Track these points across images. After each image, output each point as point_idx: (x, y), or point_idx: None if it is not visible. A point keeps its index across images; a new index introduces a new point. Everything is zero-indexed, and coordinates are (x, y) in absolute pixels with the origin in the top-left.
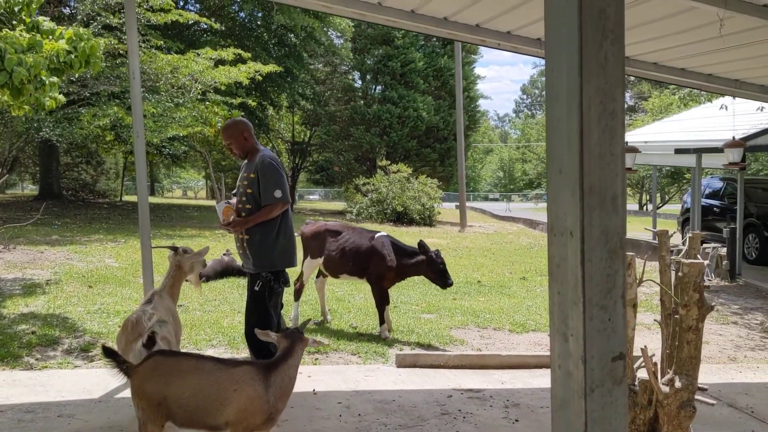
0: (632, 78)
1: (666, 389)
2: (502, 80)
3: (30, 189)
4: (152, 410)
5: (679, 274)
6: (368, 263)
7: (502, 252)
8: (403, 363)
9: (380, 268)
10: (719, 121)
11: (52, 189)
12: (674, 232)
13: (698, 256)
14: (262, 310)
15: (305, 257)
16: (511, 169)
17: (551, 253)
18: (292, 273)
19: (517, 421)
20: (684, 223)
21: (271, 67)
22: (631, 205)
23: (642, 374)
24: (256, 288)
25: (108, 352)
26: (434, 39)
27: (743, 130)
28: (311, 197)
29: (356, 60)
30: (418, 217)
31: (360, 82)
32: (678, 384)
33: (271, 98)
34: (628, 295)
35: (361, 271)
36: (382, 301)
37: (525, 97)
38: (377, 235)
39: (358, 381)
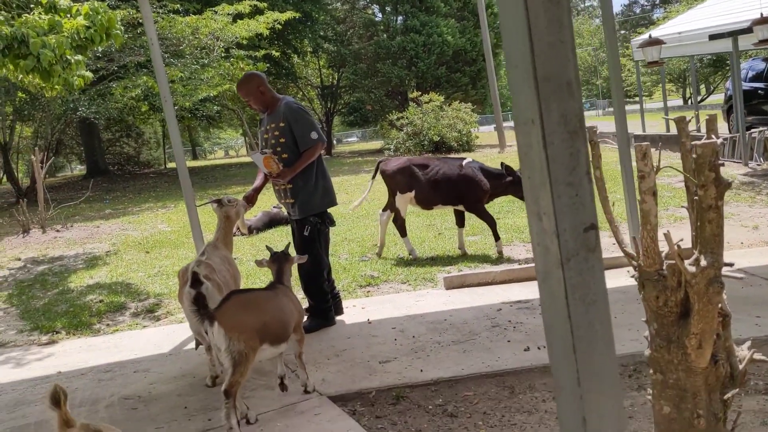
0: None
1: (692, 269)
2: None
3: (78, 169)
4: (254, 337)
5: (694, 155)
6: (464, 190)
7: None
8: (451, 285)
9: (477, 193)
10: (752, 0)
11: (98, 166)
12: (691, 118)
13: (712, 137)
14: (314, 252)
15: (394, 194)
16: None
17: (519, 143)
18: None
19: None
20: (729, 111)
21: (289, 14)
22: (676, 101)
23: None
24: (306, 233)
25: (197, 301)
26: None
27: None
28: (349, 139)
29: None
30: (456, 144)
31: (380, 15)
32: (703, 262)
33: (294, 46)
34: (647, 183)
35: (457, 200)
36: (490, 220)
37: None
38: (465, 162)
39: (409, 306)
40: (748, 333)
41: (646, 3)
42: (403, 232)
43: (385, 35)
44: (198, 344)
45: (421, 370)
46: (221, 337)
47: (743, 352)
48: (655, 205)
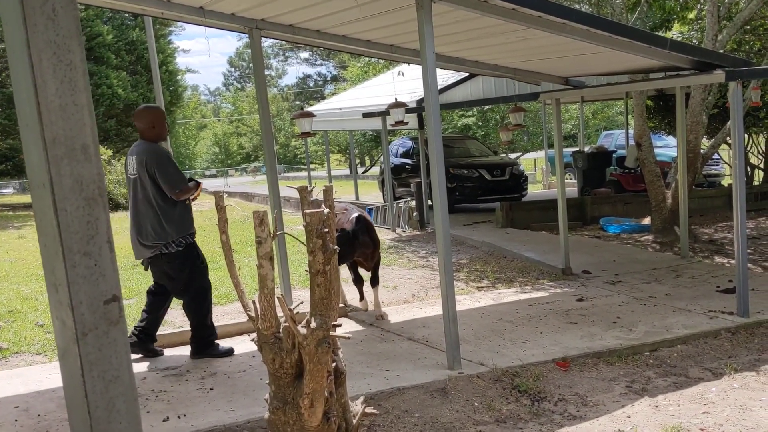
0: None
1: (303, 331)
2: (210, 53)
3: None
4: None
5: (303, 224)
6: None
7: (212, 228)
8: None
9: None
10: (402, 86)
11: None
12: (313, 187)
13: (322, 206)
14: None
15: None
16: (226, 143)
17: (35, 207)
18: None
19: (211, 389)
20: (383, 182)
21: None
22: (344, 170)
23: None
24: None
25: None
26: (123, 11)
27: (420, 93)
28: (4, 191)
29: None
30: (125, 201)
31: None
32: (314, 324)
33: None
34: (263, 249)
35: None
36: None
37: (233, 69)
38: (353, 216)
39: (40, 381)
40: (377, 387)
41: (318, 78)
42: None
43: None
44: None
45: None
46: None
47: (357, 407)
48: (272, 269)
